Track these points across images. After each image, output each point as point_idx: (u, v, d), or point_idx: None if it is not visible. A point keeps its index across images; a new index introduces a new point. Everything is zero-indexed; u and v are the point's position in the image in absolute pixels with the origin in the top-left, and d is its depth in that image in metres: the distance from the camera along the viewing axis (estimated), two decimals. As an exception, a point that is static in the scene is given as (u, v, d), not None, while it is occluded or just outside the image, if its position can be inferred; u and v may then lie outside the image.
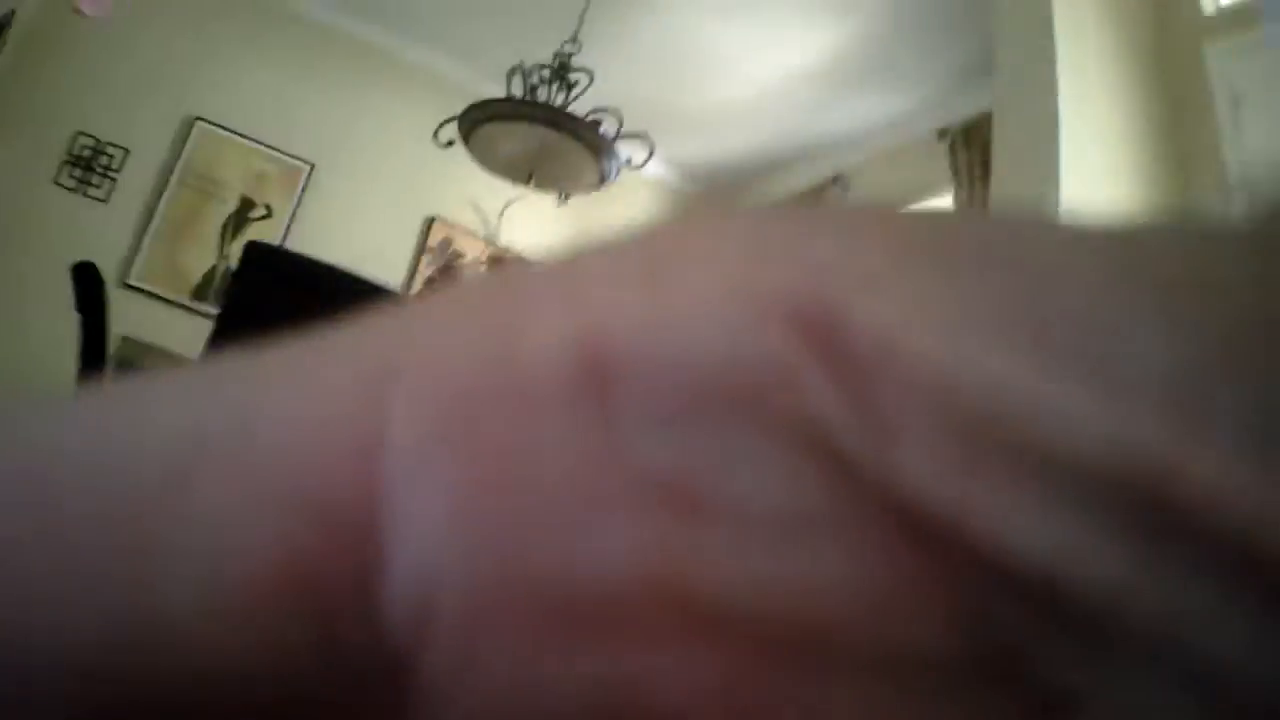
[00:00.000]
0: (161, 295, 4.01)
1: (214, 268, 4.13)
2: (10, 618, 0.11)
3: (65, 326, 2.80)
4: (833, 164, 4.44)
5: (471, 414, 0.11)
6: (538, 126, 2.77)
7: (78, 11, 3.91)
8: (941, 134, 3.69)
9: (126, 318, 2.64)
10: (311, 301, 2.13)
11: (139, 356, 2.45)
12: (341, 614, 0.11)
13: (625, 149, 2.87)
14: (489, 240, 3.23)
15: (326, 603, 0.11)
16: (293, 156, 4.33)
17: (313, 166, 4.36)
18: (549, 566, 0.10)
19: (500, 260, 3.12)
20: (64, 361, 2.79)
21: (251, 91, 4.31)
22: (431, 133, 3.37)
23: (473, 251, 3.42)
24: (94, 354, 2.72)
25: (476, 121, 2.96)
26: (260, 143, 4.29)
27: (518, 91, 2.98)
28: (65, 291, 2.77)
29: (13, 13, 3.54)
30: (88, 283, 2.75)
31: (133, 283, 3.99)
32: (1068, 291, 0.10)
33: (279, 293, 2.20)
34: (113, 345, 2.64)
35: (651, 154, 2.98)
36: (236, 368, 0.13)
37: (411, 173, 4.45)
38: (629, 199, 5.16)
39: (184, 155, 4.17)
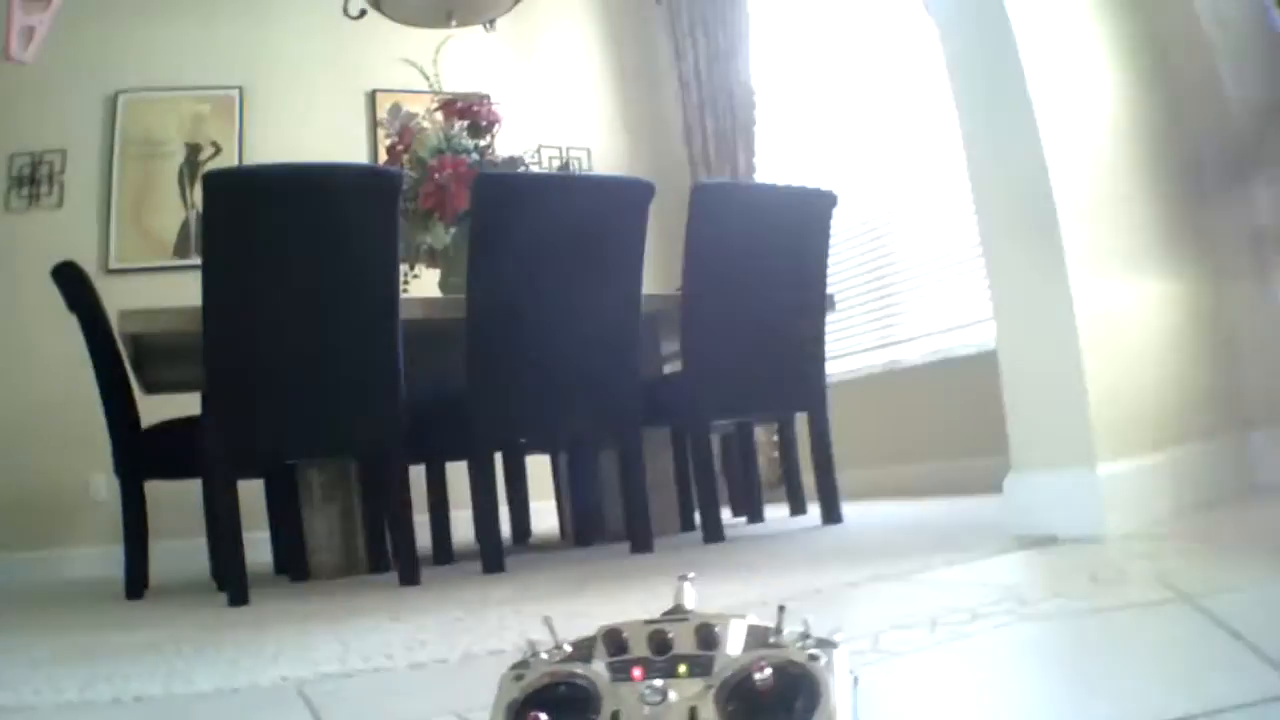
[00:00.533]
0: (145, 266, 3.97)
1: (185, 221, 4.08)
2: None
3: (71, 334, 2.76)
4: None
5: None
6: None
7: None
8: None
9: (121, 300, 2.59)
10: (286, 205, 2.04)
11: (147, 326, 2.40)
12: None
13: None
14: (435, 90, 3.10)
15: None
16: (220, 87, 4.21)
17: (242, 89, 4.24)
18: None
19: (452, 104, 3.00)
20: (81, 368, 2.76)
21: (162, 43, 4.17)
22: (341, 10, 3.23)
23: (422, 107, 3.31)
24: (100, 342, 2.68)
25: (375, -24, 2.79)
26: (184, 88, 4.17)
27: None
28: (58, 304, 2.72)
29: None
30: (71, 280, 2.70)
31: (114, 266, 3.94)
32: None
33: (251, 210, 2.12)
34: (117, 327, 2.59)
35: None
36: None
37: (337, 56, 4.32)
38: (561, 12, 4.94)
39: (118, 130, 4.07)
